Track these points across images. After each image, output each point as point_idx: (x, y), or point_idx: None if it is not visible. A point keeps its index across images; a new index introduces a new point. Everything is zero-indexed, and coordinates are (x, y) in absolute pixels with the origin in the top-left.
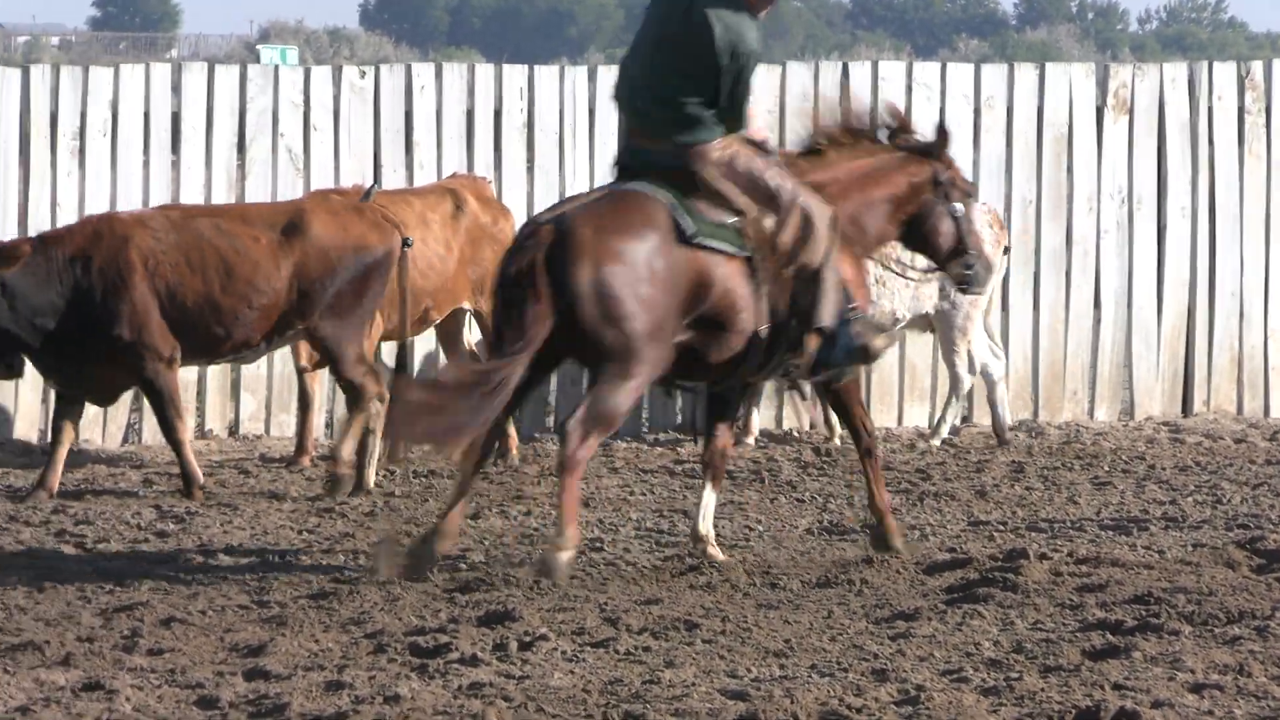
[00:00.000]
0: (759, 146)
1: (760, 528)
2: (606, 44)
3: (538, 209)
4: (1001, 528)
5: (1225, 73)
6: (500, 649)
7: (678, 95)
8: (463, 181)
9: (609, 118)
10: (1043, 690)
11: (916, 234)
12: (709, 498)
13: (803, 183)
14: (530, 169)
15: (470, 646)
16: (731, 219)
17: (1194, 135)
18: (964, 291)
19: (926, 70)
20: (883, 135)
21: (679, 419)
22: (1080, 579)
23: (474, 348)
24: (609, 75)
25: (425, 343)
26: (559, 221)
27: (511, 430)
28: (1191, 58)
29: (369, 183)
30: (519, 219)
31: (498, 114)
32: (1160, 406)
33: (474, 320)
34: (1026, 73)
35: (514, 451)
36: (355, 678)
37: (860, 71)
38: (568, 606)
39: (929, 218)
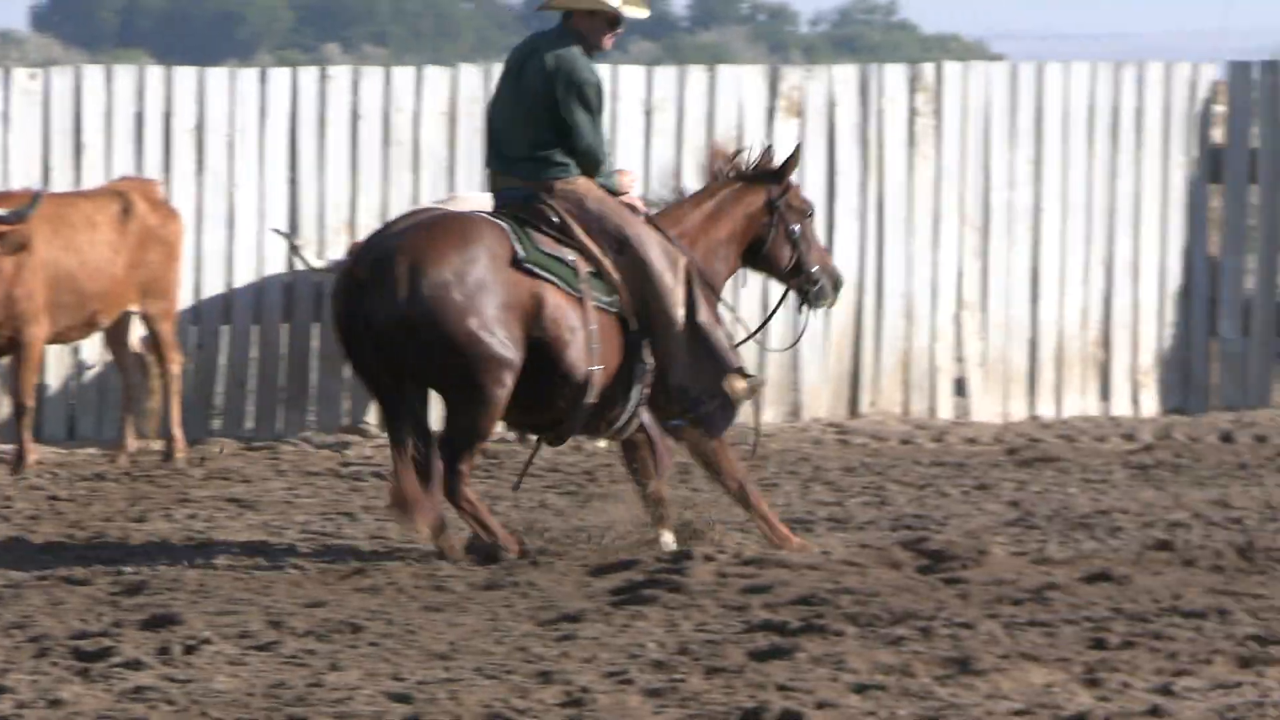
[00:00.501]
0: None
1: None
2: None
3: (207, 211)
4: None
5: (896, 75)
6: (164, 653)
7: (527, 139)
8: (132, 184)
9: (279, 120)
10: (707, 692)
11: (758, 259)
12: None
13: (663, 235)
14: (200, 171)
15: (134, 650)
16: (570, 256)
17: (864, 137)
18: (811, 307)
19: (602, 73)
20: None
21: (344, 420)
22: (745, 580)
23: (141, 350)
24: (281, 77)
25: (93, 346)
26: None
27: (178, 433)
28: (863, 60)
29: (36, 186)
30: (188, 221)
31: (167, 116)
32: (827, 407)
33: (141, 322)
34: (698, 75)
35: (180, 454)
36: (18, 682)
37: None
38: (231, 610)
39: (765, 243)
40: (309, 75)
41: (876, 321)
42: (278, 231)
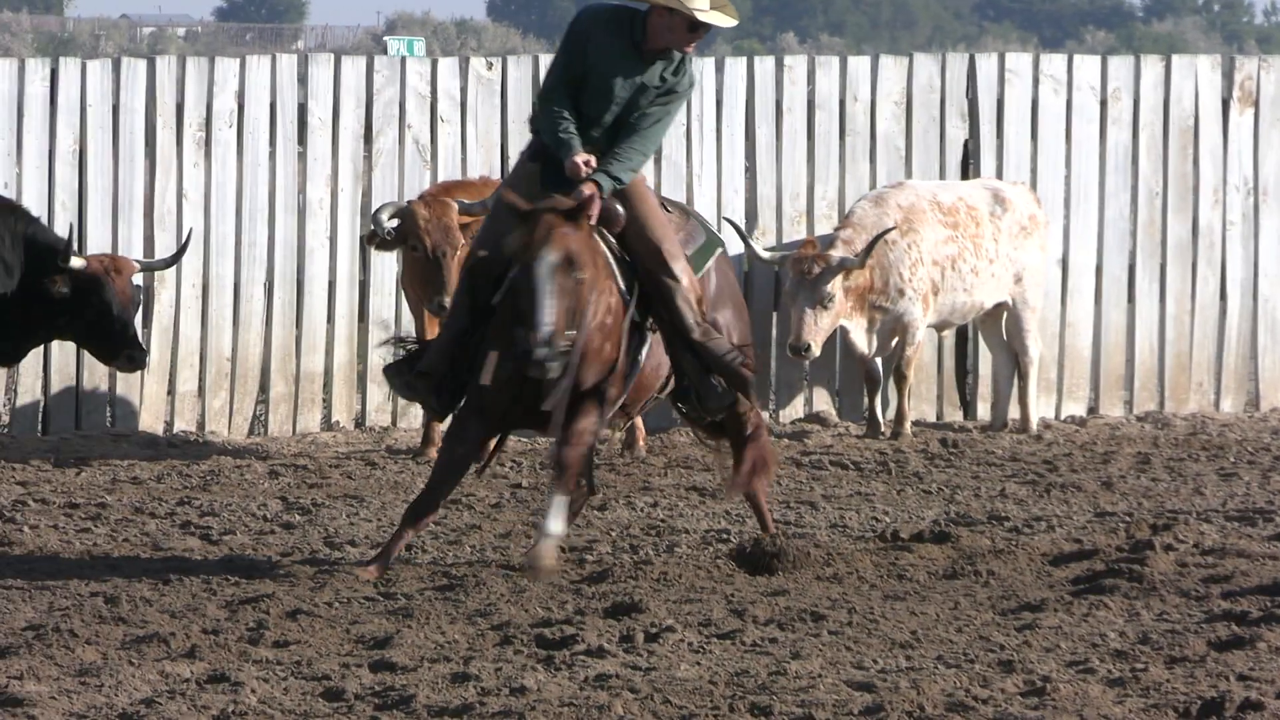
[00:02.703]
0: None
1: (888, 519)
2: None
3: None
4: (1128, 519)
5: None
6: (627, 640)
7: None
8: None
9: (736, 109)
10: (1168, 681)
11: None
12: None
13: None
14: (657, 161)
15: (596, 638)
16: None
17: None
18: None
19: (1053, 62)
20: None
21: (809, 409)
22: (1206, 570)
23: None
24: (737, 66)
25: None
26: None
27: (639, 423)
28: None
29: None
30: None
31: None
32: None
33: None
34: (1153, 65)
35: (641, 443)
36: (481, 669)
37: (987, 64)
38: (694, 598)
39: None
40: (765, 65)
41: None
42: (728, 221)
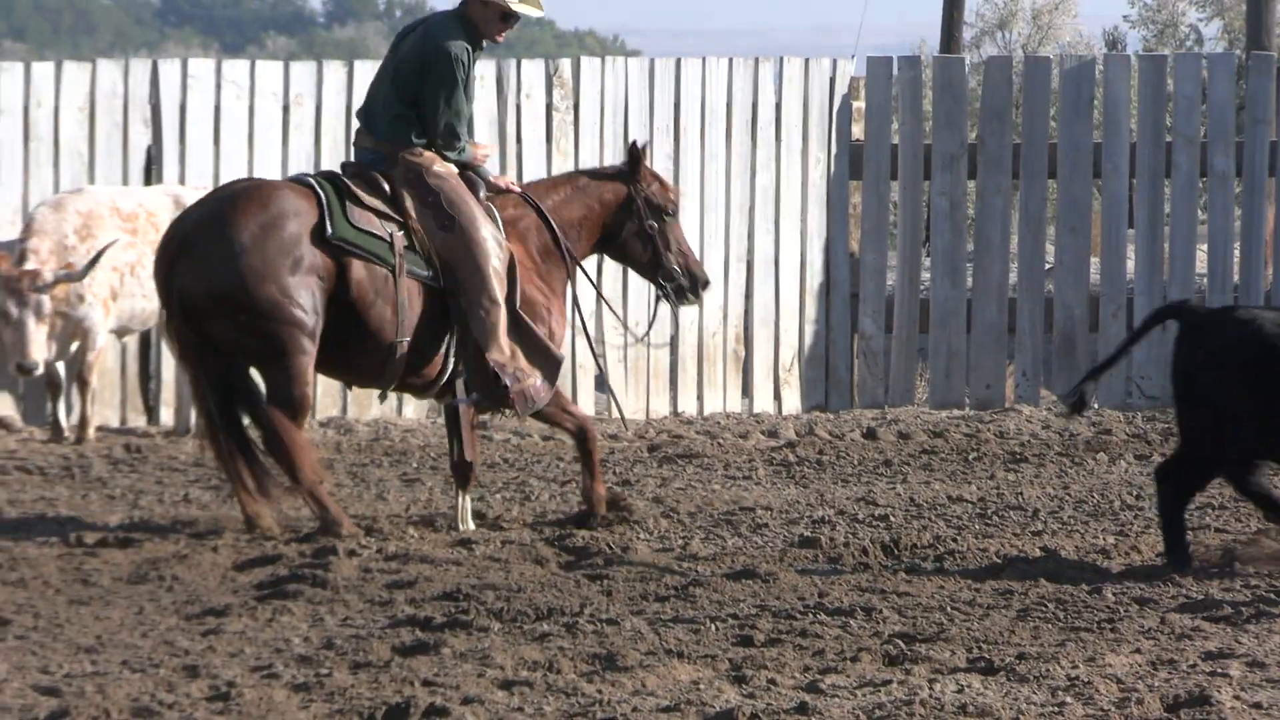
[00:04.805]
0: (473, 172)
1: (72, 524)
2: None
3: None
4: (313, 523)
5: (533, 70)
6: None
7: (389, 100)
8: None
9: None
10: (353, 686)
11: (614, 250)
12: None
13: (495, 217)
14: None
15: None
16: (389, 230)
17: (502, 132)
18: (673, 304)
19: (236, 68)
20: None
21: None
22: (390, 575)
23: None
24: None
25: None
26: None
27: None
28: (499, 56)
29: None
30: None
31: None
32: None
33: None
34: (335, 70)
35: None
36: None
37: (170, 69)
38: None
39: (620, 235)
40: None
41: None
42: None
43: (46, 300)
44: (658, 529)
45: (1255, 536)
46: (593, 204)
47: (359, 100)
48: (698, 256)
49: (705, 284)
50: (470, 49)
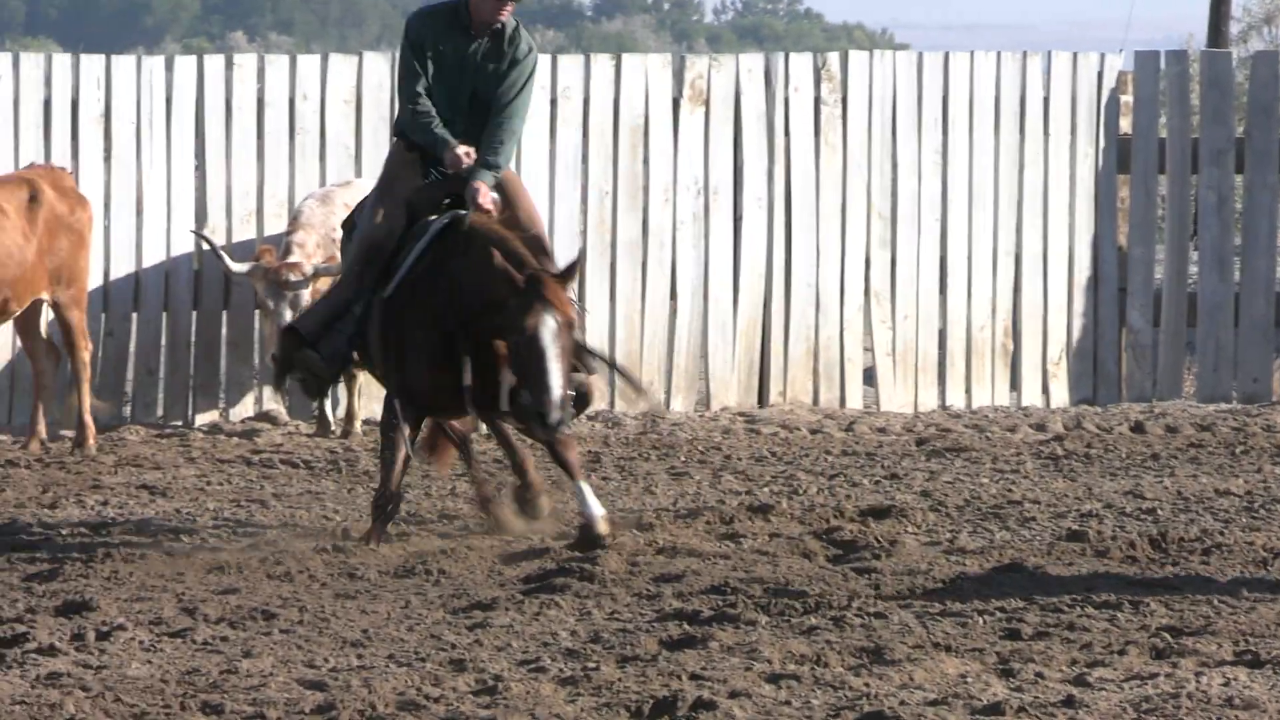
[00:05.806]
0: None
1: (338, 517)
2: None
3: (114, 199)
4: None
5: (801, 64)
6: (78, 639)
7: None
8: (40, 171)
9: (185, 107)
10: (620, 680)
11: None
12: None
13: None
14: (107, 159)
15: (48, 636)
16: None
17: (770, 126)
18: None
19: None
20: None
21: (259, 408)
22: (657, 569)
23: (51, 338)
24: (186, 65)
25: (3, 334)
26: None
27: (89, 420)
28: (768, 49)
29: None
30: (96, 209)
31: (75, 104)
32: (736, 397)
33: (52, 310)
34: (602, 64)
35: (91, 441)
36: None
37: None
38: (145, 596)
39: None
40: (215, 63)
41: (785, 311)
42: (197, 234)
43: (305, 295)
44: (925, 522)
45: None
46: None
47: (628, 95)
48: (966, 250)
49: None
50: (420, 29)
